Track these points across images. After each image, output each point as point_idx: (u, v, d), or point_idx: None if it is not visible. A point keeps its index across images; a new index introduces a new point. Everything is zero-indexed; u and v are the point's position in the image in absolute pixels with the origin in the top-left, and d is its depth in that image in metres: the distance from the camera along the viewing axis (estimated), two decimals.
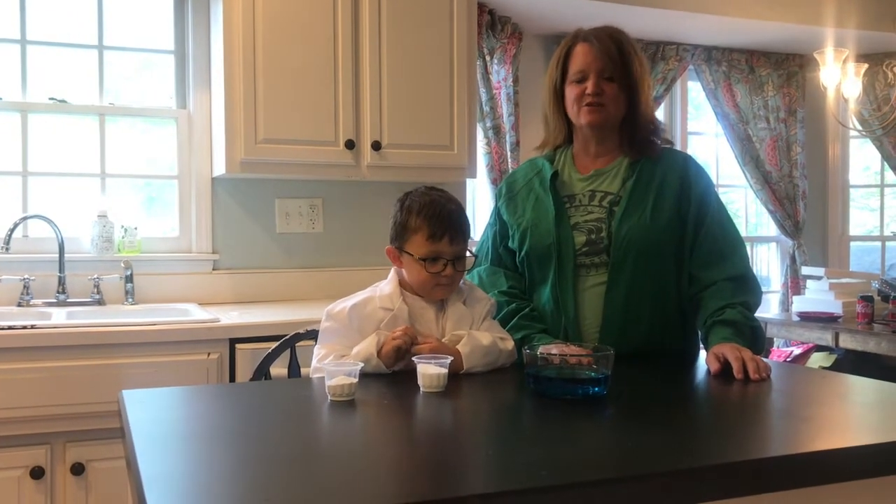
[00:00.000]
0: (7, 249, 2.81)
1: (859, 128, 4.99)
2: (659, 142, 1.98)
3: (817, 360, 4.39)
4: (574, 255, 1.89)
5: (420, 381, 1.53)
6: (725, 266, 1.89)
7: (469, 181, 3.55)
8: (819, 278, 4.51)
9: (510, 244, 2.02)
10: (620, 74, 1.89)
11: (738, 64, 4.76)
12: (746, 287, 1.88)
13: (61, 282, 2.92)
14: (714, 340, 1.79)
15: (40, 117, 3.08)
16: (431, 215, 1.71)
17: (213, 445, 1.24)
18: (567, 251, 1.89)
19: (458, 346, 1.68)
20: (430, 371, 1.53)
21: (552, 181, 1.96)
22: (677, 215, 1.90)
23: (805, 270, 4.80)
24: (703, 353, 1.97)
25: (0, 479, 2.35)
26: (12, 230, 2.82)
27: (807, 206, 4.93)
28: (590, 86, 1.89)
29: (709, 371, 1.71)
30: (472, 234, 1.82)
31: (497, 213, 2.08)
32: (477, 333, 1.73)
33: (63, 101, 3.09)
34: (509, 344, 1.78)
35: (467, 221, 1.78)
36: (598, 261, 1.89)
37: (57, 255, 2.92)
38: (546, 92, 2.01)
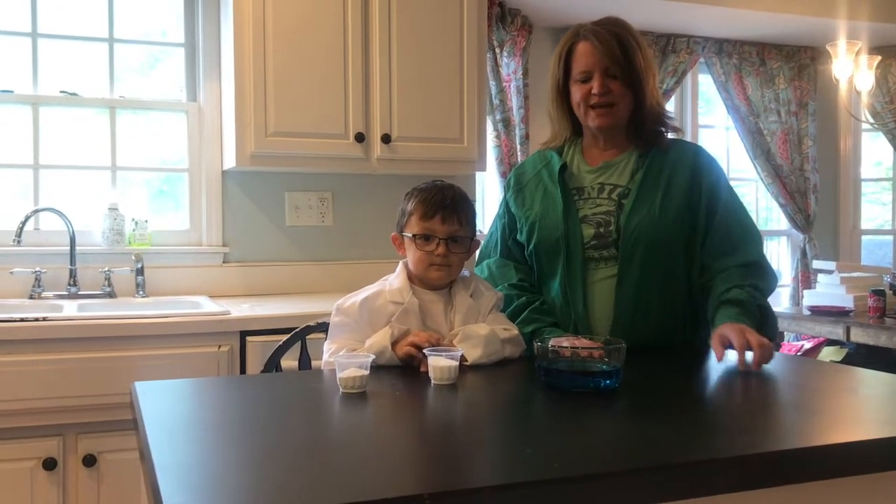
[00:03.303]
0: (19, 242, 2.82)
1: (871, 121, 4.96)
2: (667, 131, 1.97)
3: (828, 354, 4.37)
4: (582, 248, 1.89)
5: (431, 374, 1.54)
6: (738, 254, 1.87)
7: (479, 174, 3.54)
8: (830, 272, 4.49)
9: (519, 237, 2.02)
10: (624, 72, 1.87)
11: (749, 57, 4.73)
12: (758, 272, 1.86)
13: (72, 274, 2.94)
14: (720, 320, 1.76)
15: (51, 110, 3.09)
16: (425, 198, 1.77)
17: (225, 436, 1.24)
18: (575, 244, 1.89)
19: (455, 342, 1.69)
20: (441, 363, 1.53)
21: (561, 173, 1.95)
22: (687, 208, 1.89)
23: (816, 264, 4.78)
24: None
25: (13, 471, 2.37)
26: (24, 223, 2.84)
27: (818, 199, 4.91)
28: (596, 86, 1.87)
29: (721, 363, 1.70)
30: (476, 224, 1.83)
31: (506, 205, 2.07)
32: (472, 326, 1.74)
33: (74, 94, 3.10)
34: (514, 332, 1.78)
35: (465, 207, 1.79)
36: (607, 254, 1.88)
37: (68, 248, 2.94)
38: (549, 90, 2.00)
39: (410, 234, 1.76)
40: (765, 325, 1.77)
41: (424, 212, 1.75)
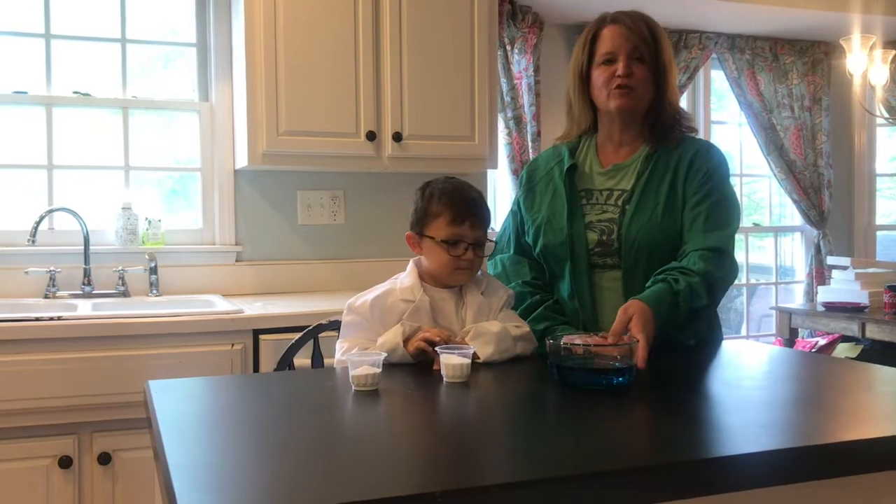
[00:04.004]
0: (33, 242, 2.84)
1: (886, 115, 4.92)
2: (683, 131, 1.94)
3: (843, 350, 4.34)
4: (587, 253, 1.87)
5: (443, 371, 1.54)
6: (703, 238, 1.79)
7: (490, 172, 3.54)
8: (845, 268, 4.47)
9: (526, 238, 2.01)
10: (651, 56, 1.85)
11: (761, 52, 4.70)
12: (715, 260, 1.77)
13: (87, 274, 2.95)
14: (642, 295, 1.70)
15: (65, 111, 3.10)
16: (453, 200, 1.74)
17: (238, 434, 1.25)
18: (580, 249, 1.87)
19: (467, 340, 1.68)
20: (453, 361, 1.53)
21: (570, 174, 1.93)
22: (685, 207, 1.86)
23: (830, 260, 4.74)
24: (725, 343, 1.95)
25: (28, 469, 2.38)
26: (38, 223, 2.86)
27: (832, 195, 4.87)
28: (620, 67, 1.84)
29: (730, 361, 1.69)
30: (492, 224, 1.82)
31: (518, 202, 2.06)
32: (484, 323, 1.73)
33: (87, 95, 3.12)
34: (525, 329, 1.77)
35: (487, 209, 1.79)
36: (611, 262, 1.86)
37: (82, 248, 2.96)
38: (571, 77, 1.96)
39: (438, 239, 1.73)
40: (673, 315, 1.71)
41: (454, 217, 1.72)
